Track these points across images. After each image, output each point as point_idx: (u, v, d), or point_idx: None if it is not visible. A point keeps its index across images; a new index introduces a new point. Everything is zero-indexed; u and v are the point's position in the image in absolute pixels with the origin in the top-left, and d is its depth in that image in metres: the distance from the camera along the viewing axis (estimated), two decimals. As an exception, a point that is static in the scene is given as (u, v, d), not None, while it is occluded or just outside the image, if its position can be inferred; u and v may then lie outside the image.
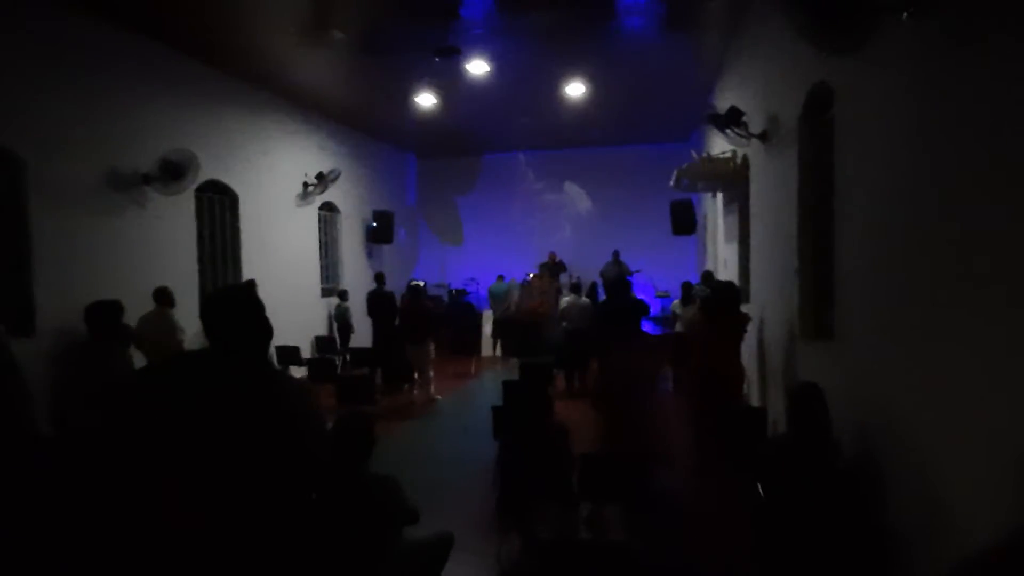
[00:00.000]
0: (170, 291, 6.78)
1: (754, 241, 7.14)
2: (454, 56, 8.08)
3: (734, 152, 7.87)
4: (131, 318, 6.23)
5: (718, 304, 5.62)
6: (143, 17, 6.68)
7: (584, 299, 9.70)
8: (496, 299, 12.62)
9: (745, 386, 6.40)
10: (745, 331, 5.67)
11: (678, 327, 9.21)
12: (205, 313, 2.10)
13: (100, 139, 6.60)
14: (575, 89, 9.92)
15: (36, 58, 5.85)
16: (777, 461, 3.46)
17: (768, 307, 6.20)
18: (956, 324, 2.56)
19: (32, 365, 5.15)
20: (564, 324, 9.38)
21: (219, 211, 8.81)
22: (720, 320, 5.48)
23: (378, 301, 10.15)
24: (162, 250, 7.46)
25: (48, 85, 5.97)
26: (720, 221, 9.99)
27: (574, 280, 11.03)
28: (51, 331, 5.75)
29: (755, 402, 6.50)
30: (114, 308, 5.11)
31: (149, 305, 6.67)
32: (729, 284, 6.01)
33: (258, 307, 2.13)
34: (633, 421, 4.01)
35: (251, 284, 8.38)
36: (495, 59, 8.36)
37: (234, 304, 2.10)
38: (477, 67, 8.52)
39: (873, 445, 3.38)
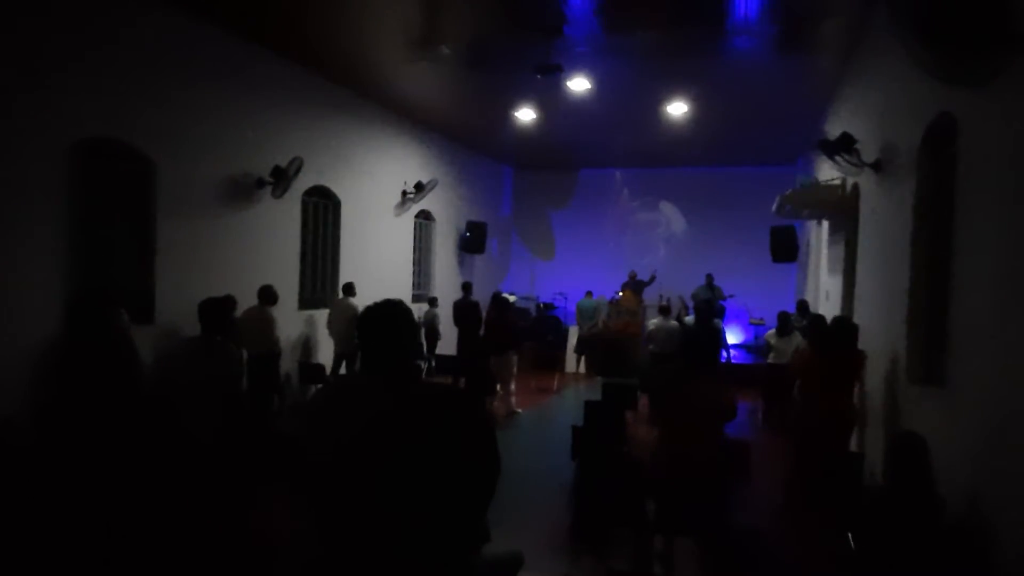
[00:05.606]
0: (274, 290, 7.19)
1: (860, 274, 6.75)
2: (556, 73, 8.13)
3: (843, 180, 7.48)
4: (239, 313, 6.66)
5: (832, 339, 5.32)
6: (263, 30, 7.13)
7: (672, 322, 9.48)
8: (584, 315, 12.54)
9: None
10: (862, 371, 5.35)
11: (771, 358, 8.84)
12: (363, 326, 2.19)
13: (220, 144, 7.08)
14: (677, 108, 9.75)
15: (167, 67, 6.33)
16: (872, 512, 3.25)
17: (872, 345, 5.84)
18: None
19: (149, 351, 5.61)
20: (651, 347, 9.19)
21: (322, 215, 9.25)
22: (832, 357, 5.20)
23: (464, 310, 10.30)
24: (269, 250, 7.89)
25: (176, 92, 6.45)
26: (824, 251, 9.52)
27: (663, 302, 10.79)
28: (167, 321, 6.21)
29: (852, 446, 6.12)
30: (225, 304, 5.43)
31: (255, 301, 7.09)
32: (846, 319, 5.73)
33: (413, 325, 2.22)
34: (690, 455, 3.88)
35: (349, 287, 8.72)
36: (597, 76, 8.35)
37: (393, 319, 2.19)
38: (578, 84, 8.53)
39: (989, 505, 3.10)
